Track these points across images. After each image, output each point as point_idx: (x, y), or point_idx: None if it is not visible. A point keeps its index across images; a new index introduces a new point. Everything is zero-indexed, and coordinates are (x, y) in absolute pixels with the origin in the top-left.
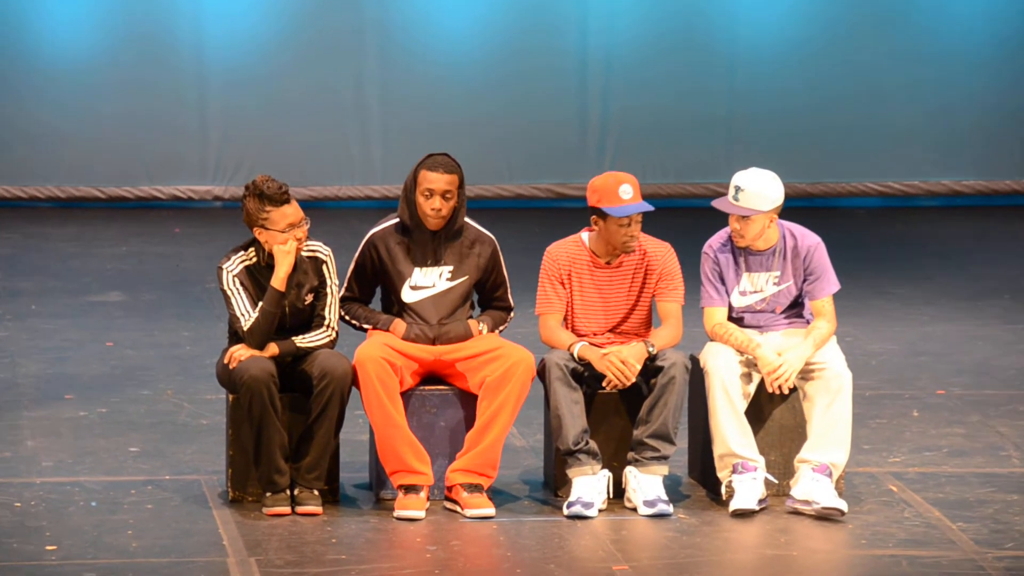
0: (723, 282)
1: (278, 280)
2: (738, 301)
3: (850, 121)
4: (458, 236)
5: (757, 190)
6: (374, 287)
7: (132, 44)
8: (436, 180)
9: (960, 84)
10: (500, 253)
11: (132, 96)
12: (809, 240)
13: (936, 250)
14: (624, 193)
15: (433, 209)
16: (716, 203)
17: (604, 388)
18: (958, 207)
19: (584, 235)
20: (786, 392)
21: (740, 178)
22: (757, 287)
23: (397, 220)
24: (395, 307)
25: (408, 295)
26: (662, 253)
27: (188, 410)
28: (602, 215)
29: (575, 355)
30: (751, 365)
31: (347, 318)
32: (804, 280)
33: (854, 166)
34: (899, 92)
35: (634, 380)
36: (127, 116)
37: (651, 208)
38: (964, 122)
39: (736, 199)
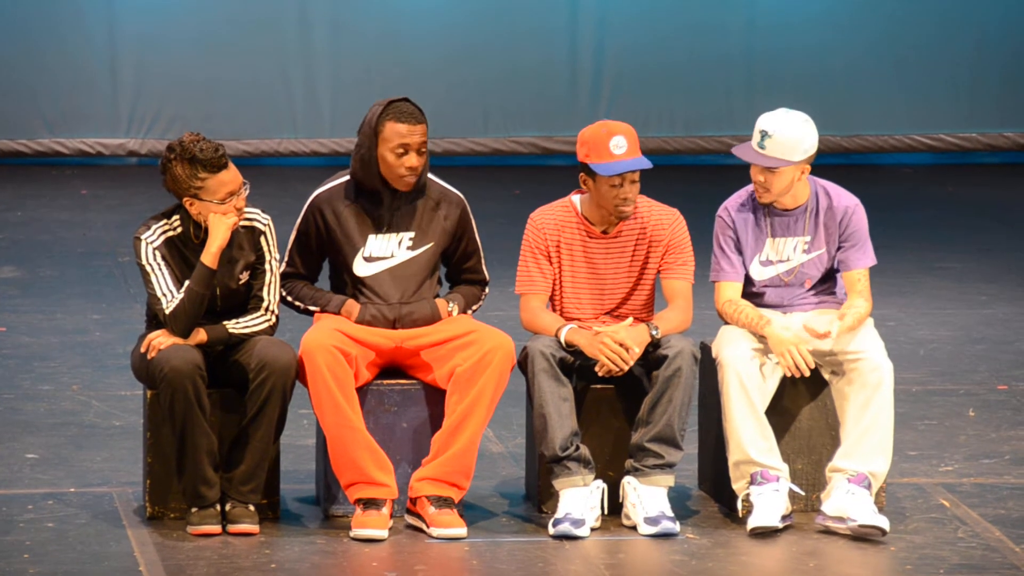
0: (740, 252)
1: (210, 255)
2: (759, 273)
3: (895, 62)
4: (420, 195)
5: (788, 136)
6: (320, 261)
7: None
8: (410, 133)
9: None
10: (471, 214)
11: (27, 30)
12: (846, 200)
13: (997, 216)
14: (616, 147)
15: (409, 168)
16: (737, 150)
17: (597, 372)
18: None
19: (575, 198)
20: (807, 374)
21: (767, 121)
22: (783, 255)
23: (347, 179)
24: (348, 286)
25: (361, 268)
26: (669, 221)
27: (97, 409)
28: (591, 173)
29: (562, 341)
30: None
31: (289, 299)
32: (838, 248)
33: (899, 115)
34: (955, 28)
35: (630, 366)
36: (21, 55)
37: (648, 165)
38: None
39: (762, 146)
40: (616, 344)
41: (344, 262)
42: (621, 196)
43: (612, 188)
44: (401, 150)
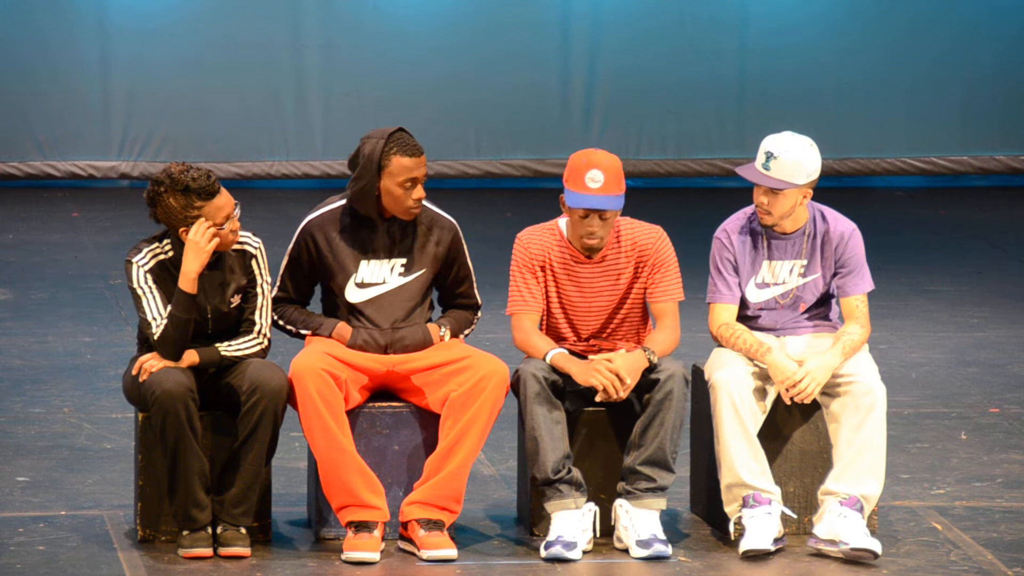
0: (736, 273)
1: (187, 281)
2: (755, 295)
3: (887, 85)
4: (412, 221)
5: (793, 159)
6: (312, 286)
7: None
8: (417, 166)
9: (1019, 42)
10: (463, 239)
11: (18, 52)
12: (843, 226)
13: (990, 239)
14: (591, 181)
15: (417, 199)
16: (742, 170)
17: (596, 400)
18: (1016, 188)
19: (562, 221)
20: (808, 402)
21: (772, 143)
22: (779, 278)
23: (340, 204)
24: (339, 310)
25: (353, 294)
26: (654, 239)
27: (88, 432)
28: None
29: (548, 364)
30: (766, 378)
31: (281, 323)
32: (835, 274)
33: (892, 138)
34: (948, 51)
35: (625, 396)
36: (13, 77)
37: (616, 207)
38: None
39: (767, 168)
40: (610, 373)
41: (336, 288)
42: (587, 229)
43: (581, 220)
44: (409, 184)
